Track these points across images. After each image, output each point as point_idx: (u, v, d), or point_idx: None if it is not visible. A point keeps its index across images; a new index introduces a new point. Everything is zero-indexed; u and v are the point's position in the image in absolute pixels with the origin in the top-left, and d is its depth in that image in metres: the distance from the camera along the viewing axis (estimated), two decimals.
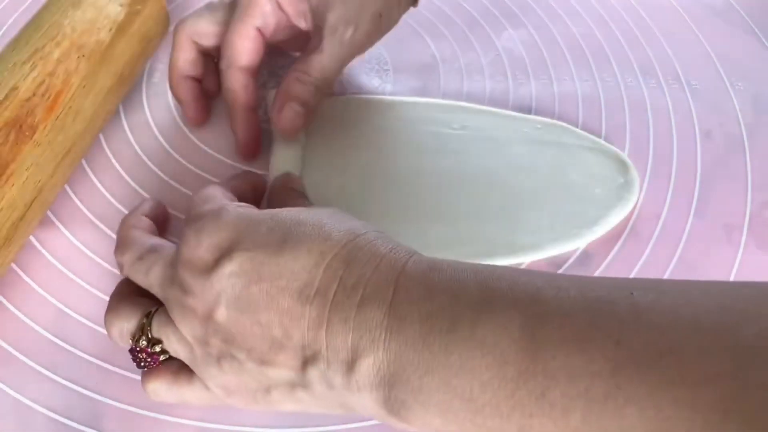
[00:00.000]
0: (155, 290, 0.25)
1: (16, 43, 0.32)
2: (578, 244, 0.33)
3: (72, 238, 0.32)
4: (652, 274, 0.32)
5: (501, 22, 0.44)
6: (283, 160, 0.34)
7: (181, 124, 0.38)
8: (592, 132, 0.37)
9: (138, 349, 0.25)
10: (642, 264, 0.33)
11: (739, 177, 0.36)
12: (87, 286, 0.31)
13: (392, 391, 0.21)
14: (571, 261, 0.33)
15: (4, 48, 0.32)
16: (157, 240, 0.27)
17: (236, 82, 0.33)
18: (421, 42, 0.42)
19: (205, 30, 0.34)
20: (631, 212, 0.34)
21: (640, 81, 0.41)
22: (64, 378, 0.28)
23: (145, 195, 0.34)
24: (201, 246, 0.23)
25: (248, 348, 0.23)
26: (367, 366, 0.21)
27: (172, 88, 0.36)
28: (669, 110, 0.39)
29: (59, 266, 0.31)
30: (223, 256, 0.23)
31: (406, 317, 0.21)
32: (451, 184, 0.35)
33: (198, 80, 0.36)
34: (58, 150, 0.31)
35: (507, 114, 0.37)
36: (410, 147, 0.36)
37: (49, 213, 0.33)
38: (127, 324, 0.25)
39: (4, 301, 0.30)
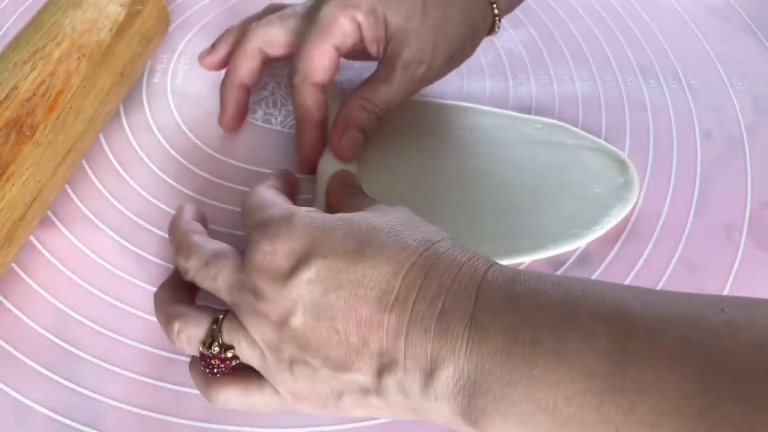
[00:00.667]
0: (223, 295, 0.25)
1: (16, 43, 0.32)
2: (578, 244, 0.33)
3: (72, 238, 0.32)
4: (652, 274, 0.32)
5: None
6: (331, 163, 0.33)
7: (182, 124, 0.38)
8: (592, 132, 0.37)
9: (210, 355, 0.25)
10: (642, 264, 0.33)
11: (739, 177, 0.36)
12: (87, 286, 0.31)
13: (472, 401, 0.21)
14: (571, 261, 0.33)
15: (4, 48, 0.32)
16: (218, 244, 0.27)
17: (310, 98, 0.33)
18: None
19: (276, 39, 0.34)
20: (631, 212, 0.34)
21: (640, 81, 0.41)
22: (64, 378, 0.28)
23: (146, 195, 0.34)
24: (276, 252, 0.23)
25: (323, 355, 0.23)
26: (447, 375, 0.21)
27: (223, 91, 0.36)
28: (669, 110, 0.39)
29: (59, 266, 0.31)
30: (299, 262, 0.23)
31: (489, 328, 0.21)
32: (450, 184, 0.35)
33: (249, 89, 0.36)
34: (59, 150, 0.31)
35: (507, 114, 0.37)
36: (410, 147, 0.36)
37: (49, 213, 0.33)
38: (196, 330, 0.25)
39: (5, 301, 0.30)
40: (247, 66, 0.35)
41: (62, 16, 0.33)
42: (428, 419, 0.23)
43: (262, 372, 0.25)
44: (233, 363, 0.25)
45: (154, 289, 0.30)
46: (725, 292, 0.32)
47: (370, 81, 0.33)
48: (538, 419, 0.20)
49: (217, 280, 0.25)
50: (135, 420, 0.27)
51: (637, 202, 0.34)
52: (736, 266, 0.33)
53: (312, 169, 0.34)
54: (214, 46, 0.36)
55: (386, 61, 0.32)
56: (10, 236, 0.28)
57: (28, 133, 0.29)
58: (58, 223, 0.33)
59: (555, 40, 0.43)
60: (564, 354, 0.20)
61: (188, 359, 0.29)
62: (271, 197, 0.27)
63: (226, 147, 0.36)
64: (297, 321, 0.23)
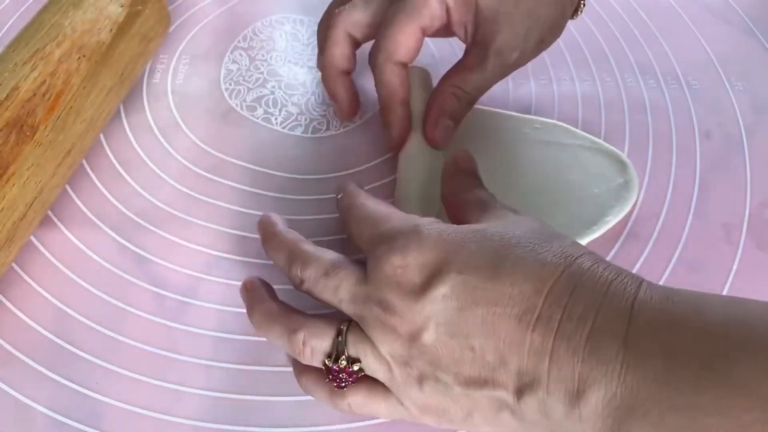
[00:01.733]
0: (344, 306, 0.25)
1: (16, 43, 0.32)
2: None
3: (73, 238, 0.33)
4: (651, 274, 0.32)
5: None
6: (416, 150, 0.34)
7: (182, 124, 0.38)
8: (591, 132, 0.37)
9: (338, 369, 0.24)
10: (641, 264, 0.33)
11: (739, 177, 0.36)
12: (87, 286, 0.31)
13: (624, 425, 0.20)
14: None
15: (4, 48, 0.32)
16: (332, 254, 0.26)
17: (394, 76, 0.33)
18: None
19: (361, 22, 0.34)
20: (631, 212, 0.34)
21: (640, 81, 0.41)
22: (64, 378, 0.28)
23: (146, 195, 0.34)
24: (408, 266, 0.23)
25: (455, 371, 0.23)
26: (597, 398, 0.20)
27: (328, 84, 0.35)
28: (668, 110, 0.39)
29: (60, 266, 0.32)
30: (433, 277, 0.23)
31: (647, 351, 0.20)
32: None
33: (349, 73, 0.35)
34: (59, 150, 0.31)
35: (507, 114, 0.37)
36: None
37: (49, 213, 0.33)
38: (320, 342, 0.25)
39: (5, 301, 0.30)
40: (339, 53, 0.34)
41: (62, 16, 0.33)
42: None
43: (387, 384, 0.24)
44: (360, 374, 0.25)
45: (155, 289, 0.31)
46: (725, 293, 0.32)
47: (461, 67, 0.33)
48: None
49: (339, 292, 0.25)
50: (135, 420, 0.27)
51: (636, 202, 0.34)
52: (735, 266, 0.33)
53: (401, 147, 0.34)
54: (319, 46, 0.37)
55: (477, 45, 0.32)
56: (10, 236, 0.28)
57: (28, 134, 0.29)
58: (58, 223, 0.33)
59: None
60: (739, 382, 0.19)
61: (188, 359, 0.29)
62: (384, 209, 0.27)
63: (226, 146, 0.36)
64: (429, 337, 0.22)
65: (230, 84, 0.40)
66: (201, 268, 0.32)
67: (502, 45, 0.31)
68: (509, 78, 0.40)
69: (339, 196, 0.29)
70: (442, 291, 0.22)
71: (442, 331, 0.22)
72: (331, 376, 0.25)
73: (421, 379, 0.23)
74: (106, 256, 0.32)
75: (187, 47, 0.42)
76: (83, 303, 0.30)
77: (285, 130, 0.38)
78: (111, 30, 0.34)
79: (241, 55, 0.41)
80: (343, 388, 0.25)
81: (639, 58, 0.42)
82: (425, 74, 0.36)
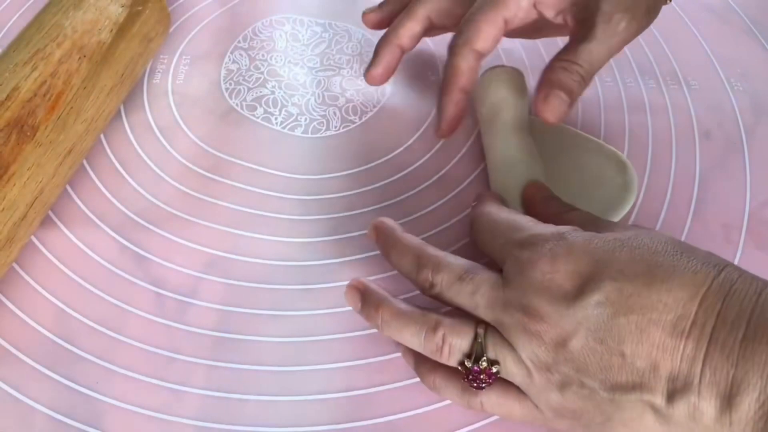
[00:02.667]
0: (480, 311, 0.25)
1: (17, 43, 0.32)
2: None
3: (73, 238, 0.33)
4: None
5: None
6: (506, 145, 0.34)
7: (182, 123, 0.38)
8: (591, 132, 0.37)
9: (478, 369, 0.25)
10: None
11: (738, 177, 0.36)
12: (88, 286, 0.31)
13: None
14: None
15: (5, 48, 0.32)
16: (464, 260, 0.26)
17: (465, 62, 0.32)
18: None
19: (446, 9, 0.34)
20: (630, 212, 0.34)
21: (639, 81, 0.41)
22: (64, 377, 0.28)
23: (146, 195, 0.34)
24: (558, 272, 0.23)
25: (603, 377, 0.23)
26: (750, 401, 0.21)
27: (381, 47, 0.36)
28: (668, 110, 0.39)
29: (60, 266, 0.32)
30: (585, 284, 0.23)
31: None
32: None
33: (404, 52, 0.36)
34: (60, 150, 0.31)
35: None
36: None
37: (50, 213, 0.33)
38: (460, 341, 0.25)
39: (6, 301, 0.30)
40: (410, 28, 0.35)
41: (63, 16, 0.33)
42: None
43: (523, 388, 0.25)
44: (496, 377, 0.25)
45: (155, 289, 0.31)
46: None
47: (570, 43, 0.32)
48: None
49: (476, 296, 0.25)
50: (135, 420, 0.27)
51: (636, 202, 0.35)
52: None
53: (450, 134, 0.34)
54: (381, 5, 0.37)
55: (582, 21, 0.31)
56: (11, 236, 0.29)
57: (29, 134, 0.29)
58: (59, 223, 0.33)
59: (554, 40, 0.43)
60: None
61: (188, 359, 0.29)
62: (519, 217, 0.27)
63: (227, 146, 0.37)
64: (578, 343, 0.23)
65: (230, 84, 0.40)
66: (201, 268, 0.32)
67: (611, 9, 0.30)
68: None
69: (474, 204, 0.30)
70: (596, 298, 0.23)
71: (591, 337, 0.23)
72: (470, 377, 0.25)
73: (563, 385, 0.23)
74: (107, 256, 0.32)
75: (188, 47, 0.42)
76: (84, 303, 0.30)
77: (285, 130, 0.38)
78: (111, 30, 0.34)
79: (241, 55, 0.41)
80: (482, 388, 0.25)
81: (638, 59, 0.42)
82: (520, 77, 0.36)
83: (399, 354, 0.29)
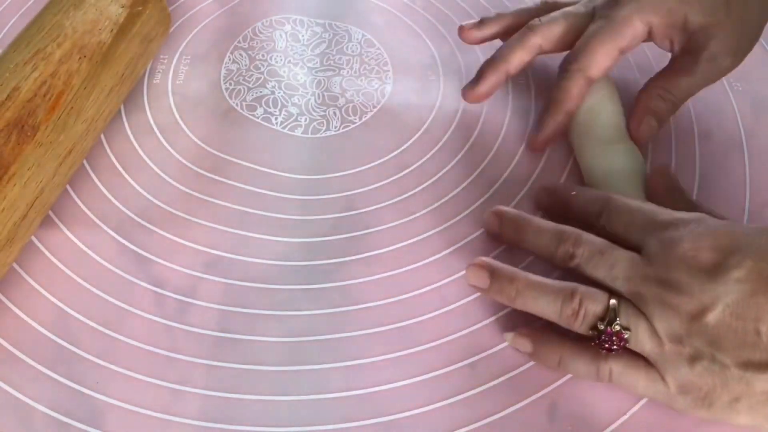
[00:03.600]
0: (619, 284, 0.26)
1: (17, 43, 0.32)
2: None
3: (73, 238, 0.33)
4: None
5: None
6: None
7: (182, 124, 0.38)
8: None
9: (611, 332, 0.26)
10: None
11: (738, 178, 0.36)
12: (88, 286, 0.31)
13: None
14: None
15: (5, 48, 0.32)
16: (603, 239, 0.28)
17: (576, 87, 0.34)
18: (421, 42, 0.43)
19: (558, 36, 0.35)
20: None
21: (639, 82, 0.41)
22: (64, 377, 0.28)
23: (147, 195, 0.34)
24: (701, 250, 0.25)
25: (737, 353, 0.24)
26: None
27: (488, 70, 0.36)
28: None
29: (60, 266, 0.32)
30: (726, 260, 0.24)
31: None
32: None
33: (510, 77, 0.36)
34: (60, 150, 0.31)
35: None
36: None
37: (50, 213, 0.33)
38: (594, 305, 0.26)
39: (6, 301, 0.30)
40: (521, 58, 0.35)
41: (63, 16, 0.33)
42: None
43: (652, 359, 0.26)
44: (627, 343, 0.26)
45: (155, 289, 0.31)
46: None
47: (670, 71, 0.34)
48: None
49: (615, 269, 0.26)
50: (135, 419, 0.27)
51: None
52: None
53: (543, 150, 0.36)
54: (482, 22, 0.38)
55: (686, 53, 0.33)
56: (11, 236, 0.29)
57: (29, 134, 0.29)
58: (59, 223, 0.33)
59: None
60: None
61: (188, 359, 0.29)
62: (654, 205, 0.28)
63: (227, 146, 0.37)
64: (714, 317, 0.24)
65: (230, 84, 0.40)
66: (201, 268, 0.32)
67: (717, 51, 0.32)
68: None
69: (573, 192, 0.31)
70: (736, 274, 0.24)
71: (728, 312, 0.24)
72: (602, 338, 0.26)
73: (693, 358, 0.24)
74: (107, 256, 0.32)
75: (188, 47, 0.42)
76: (84, 303, 0.30)
77: (285, 130, 0.38)
78: (112, 30, 0.34)
79: (241, 55, 0.41)
80: (612, 350, 0.26)
81: (639, 59, 0.42)
82: (613, 87, 0.36)
83: (399, 354, 0.29)
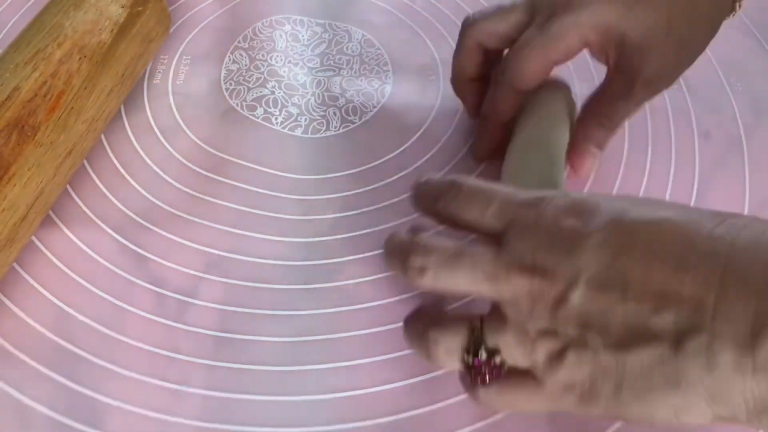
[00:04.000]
0: (484, 289, 0.23)
1: (17, 43, 0.32)
2: None
3: (74, 238, 0.33)
4: None
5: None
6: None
7: (182, 124, 0.38)
8: None
9: (479, 362, 0.23)
10: None
11: (738, 177, 0.36)
12: (88, 286, 0.31)
13: None
14: None
15: (5, 49, 0.32)
16: (454, 240, 0.24)
17: (507, 102, 0.32)
18: (421, 43, 0.43)
19: (495, 32, 0.32)
20: None
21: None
22: (64, 377, 0.28)
23: (147, 195, 0.34)
24: (561, 219, 0.22)
25: (606, 331, 0.20)
26: None
27: (456, 90, 0.35)
28: (667, 110, 0.39)
29: (61, 266, 0.32)
30: (586, 225, 0.21)
31: None
32: None
33: (481, 80, 0.35)
34: (60, 150, 0.31)
35: None
36: None
37: (50, 213, 0.33)
38: (452, 340, 0.23)
39: (6, 301, 0.30)
40: (469, 62, 0.34)
41: (63, 17, 0.33)
42: (717, 410, 0.20)
43: (530, 366, 0.22)
44: (503, 369, 0.23)
45: (155, 289, 0.31)
46: None
47: (606, 97, 0.32)
48: None
49: (475, 271, 0.23)
50: (135, 419, 0.27)
51: None
52: None
53: (488, 159, 0.35)
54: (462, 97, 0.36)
55: (622, 73, 0.31)
56: (11, 237, 0.29)
57: (29, 134, 0.29)
58: (59, 223, 0.33)
59: None
60: None
61: (188, 359, 0.29)
62: (507, 186, 0.25)
63: (227, 146, 0.37)
64: (577, 296, 0.21)
65: (230, 84, 0.40)
66: (201, 268, 0.32)
67: (651, 75, 0.30)
68: None
69: (417, 183, 0.28)
70: (595, 239, 0.21)
71: (592, 286, 0.21)
72: (470, 374, 0.23)
73: (564, 350, 0.21)
74: (107, 256, 0.32)
75: (188, 47, 0.42)
76: (84, 303, 0.30)
77: (285, 130, 0.38)
78: (112, 30, 0.34)
79: (241, 55, 0.41)
80: (486, 383, 0.23)
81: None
82: (568, 94, 0.34)
83: (399, 354, 0.29)
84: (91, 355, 0.29)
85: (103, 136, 0.37)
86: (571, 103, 0.34)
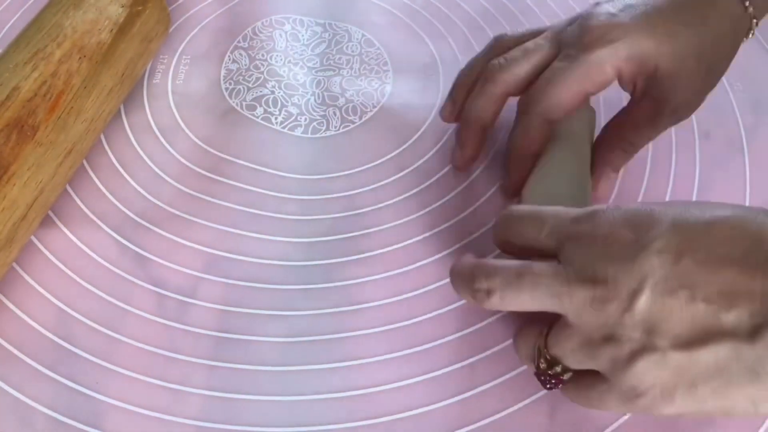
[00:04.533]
0: (548, 304, 0.24)
1: (17, 43, 0.32)
2: None
3: (73, 238, 0.33)
4: None
5: (500, 22, 0.44)
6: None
7: (182, 124, 0.38)
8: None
9: (536, 373, 0.25)
10: None
11: (738, 178, 0.36)
12: (88, 286, 0.31)
13: None
14: None
15: (5, 48, 0.32)
16: (516, 260, 0.25)
17: (539, 133, 0.31)
18: (421, 42, 0.43)
19: (522, 78, 0.32)
20: None
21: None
22: (64, 377, 0.28)
23: (147, 195, 0.34)
24: (617, 231, 0.23)
25: (674, 333, 0.21)
26: None
27: (465, 132, 0.34)
28: None
29: (60, 266, 0.32)
30: (646, 234, 0.22)
31: None
32: None
33: (488, 129, 0.34)
34: (60, 150, 0.31)
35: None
36: None
37: (50, 213, 0.33)
38: (525, 349, 0.26)
39: (6, 301, 0.30)
40: (491, 110, 0.33)
41: (63, 16, 0.33)
42: None
43: (601, 370, 0.23)
44: (565, 377, 0.24)
45: (155, 289, 0.31)
46: None
47: (632, 121, 0.32)
48: None
49: (537, 290, 0.24)
50: (135, 420, 0.27)
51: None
52: None
53: (518, 194, 0.32)
54: (453, 97, 0.35)
55: (650, 99, 0.31)
56: (11, 236, 0.29)
57: (29, 134, 0.29)
58: (59, 223, 0.33)
59: None
60: None
61: (188, 359, 0.29)
62: (555, 207, 0.26)
63: (227, 146, 0.37)
64: (644, 301, 0.21)
65: (230, 84, 0.40)
66: (201, 268, 0.32)
67: (680, 104, 0.31)
68: None
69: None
70: (657, 245, 0.21)
71: (659, 290, 0.21)
72: (542, 379, 0.25)
73: (634, 355, 0.22)
74: (107, 256, 0.32)
75: (188, 47, 0.42)
76: (84, 303, 0.30)
77: (285, 130, 0.38)
78: (111, 30, 0.34)
79: (241, 54, 0.41)
80: (551, 388, 0.25)
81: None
82: (592, 114, 0.34)
83: (399, 354, 0.29)
84: (91, 355, 0.29)
85: (102, 136, 0.36)
86: (593, 121, 0.34)
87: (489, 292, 0.25)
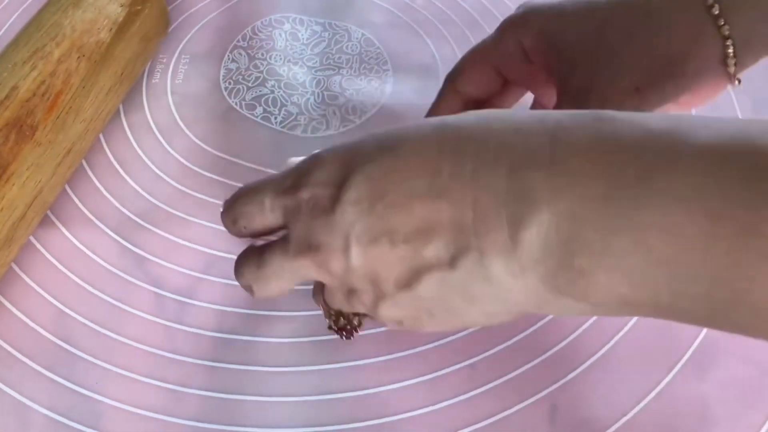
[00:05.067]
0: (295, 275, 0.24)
1: (16, 42, 0.32)
2: None
3: (72, 238, 0.33)
4: None
5: (500, 22, 0.44)
6: None
7: (181, 123, 0.38)
8: None
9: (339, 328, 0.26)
10: None
11: None
12: (87, 286, 0.31)
13: (565, 259, 0.18)
14: None
15: (4, 48, 0.32)
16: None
17: (450, 107, 0.32)
18: (421, 42, 0.43)
19: (481, 81, 0.32)
20: None
21: None
22: (64, 378, 0.28)
23: (146, 195, 0.34)
24: (318, 186, 0.22)
25: (391, 278, 0.21)
26: (531, 238, 0.19)
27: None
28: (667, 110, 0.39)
29: (59, 266, 0.32)
30: (339, 188, 0.21)
31: (577, 172, 0.18)
32: None
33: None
34: (59, 150, 0.31)
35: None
36: None
37: (49, 213, 0.33)
38: (320, 306, 0.26)
39: (5, 301, 0.30)
40: (450, 109, 0.32)
41: (62, 15, 0.33)
42: (511, 311, 0.21)
43: (368, 313, 0.24)
44: (355, 322, 0.26)
45: (155, 289, 0.31)
46: None
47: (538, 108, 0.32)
48: (650, 273, 0.18)
49: (283, 270, 0.24)
50: (135, 420, 0.27)
51: None
52: None
53: None
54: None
55: (558, 86, 0.29)
56: (10, 236, 0.28)
57: (28, 133, 0.29)
58: (58, 223, 0.33)
59: None
60: (679, 193, 0.17)
61: (188, 359, 0.29)
62: (274, 174, 0.24)
63: (226, 146, 0.36)
64: (355, 257, 0.21)
65: (230, 83, 0.40)
66: (201, 268, 0.32)
67: (575, 87, 0.27)
68: None
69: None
70: (351, 196, 0.21)
71: (363, 242, 0.21)
72: (337, 333, 0.27)
73: (375, 301, 0.23)
74: (106, 256, 0.32)
75: (187, 47, 0.42)
76: (83, 303, 0.30)
77: (284, 130, 0.38)
78: (110, 29, 0.34)
79: (240, 54, 0.41)
80: (347, 338, 0.26)
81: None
82: None
83: (399, 354, 0.29)
84: (90, 355, 0.29)
85: (101, 136, 0.36)
86: None
87: (249, 289, 0.25)
